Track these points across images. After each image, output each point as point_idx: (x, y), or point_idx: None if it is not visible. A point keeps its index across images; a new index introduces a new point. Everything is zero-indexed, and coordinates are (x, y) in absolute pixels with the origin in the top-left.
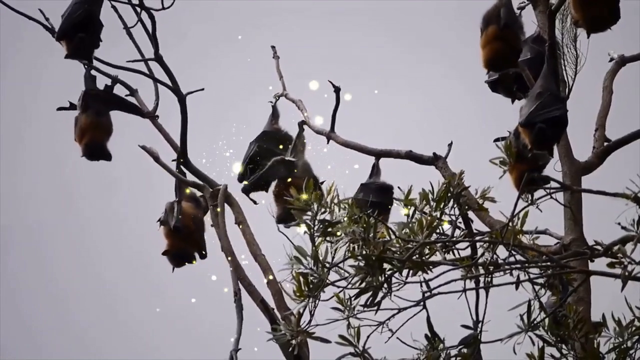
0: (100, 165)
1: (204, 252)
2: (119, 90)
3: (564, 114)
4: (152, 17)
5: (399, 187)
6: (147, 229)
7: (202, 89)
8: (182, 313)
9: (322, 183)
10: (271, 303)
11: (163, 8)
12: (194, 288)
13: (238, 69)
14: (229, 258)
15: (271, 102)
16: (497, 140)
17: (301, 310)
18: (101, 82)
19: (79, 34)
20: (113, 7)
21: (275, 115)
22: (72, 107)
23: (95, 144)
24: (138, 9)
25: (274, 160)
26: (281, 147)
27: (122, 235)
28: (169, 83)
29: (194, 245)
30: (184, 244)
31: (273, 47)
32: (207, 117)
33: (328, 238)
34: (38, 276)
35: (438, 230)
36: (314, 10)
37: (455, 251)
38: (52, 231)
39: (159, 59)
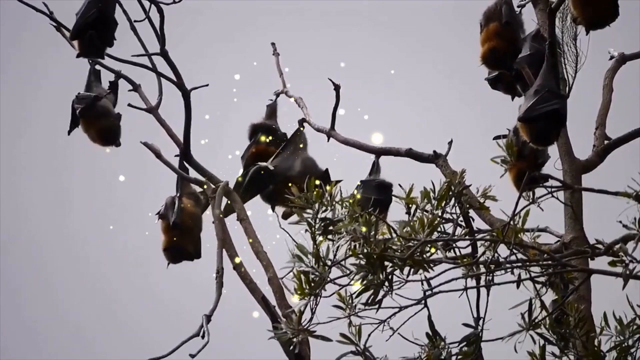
0: (101, 162)
1: (198, 252)
2: (122, 86)
3: (563, 107)
4: (160, 12)
5: (400, 185)
6: (148, 227)
7: (207, 85)
8: (182, 313)
9: (326, 171)
10: (272, 300)
11: (174, 2)
12: (195, 289)
13: (240, 67)
14: (219, 241)
15: (271, 99)
16: (497, 137)
17: (302, 309)
18: (105, 77)
19: (90, 31)
20: (117, 1)
21: (270, 112)
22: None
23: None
24: (146, 4)
25: (252, 172)
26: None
27: (123, 233)
28: (174, 78)
29: (190, 243)
30: (181, 241)
31: (273, 44)
32: (210, 113)
33: (329, 236)
34: (38, 276)
35: (439, 229)
36: (314, 10)
37: (456, 250)
38: (52, 230)
39: (164, 54)
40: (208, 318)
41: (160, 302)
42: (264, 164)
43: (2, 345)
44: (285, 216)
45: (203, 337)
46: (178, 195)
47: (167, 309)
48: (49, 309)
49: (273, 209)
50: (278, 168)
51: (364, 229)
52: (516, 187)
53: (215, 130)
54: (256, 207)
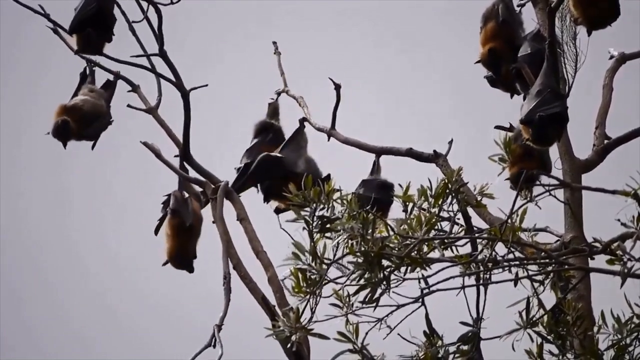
0: (101, 162)
1: (195, 255)
2: (122, 86)
3: (564, 110)
4: (158, 12)
5: (399, 185)
6: (148, 227)
7: (206, 85)
8: (183, 314)
9: (327, 176)
10: (272, 300)
11: (171, 2)
12: (195, 289)
13: (242, 66)
14: (224, 244)
15: (272, 98)
16: (498, 127)
17: (300, 307)
18: (104, 78)
19: (88, 29)
20: (116, 2)
21: (272, 111)
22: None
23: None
24: (145, 4)
25: (260, 158)
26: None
27: (123, 233)
28: (173, 79)
29: (193, 248)
30: (188, 246)
31: (274, 42)
32: (210, 113)
33: (327, 234)
34: (38, 276)
35: (437, 227)
36: (315, 10)
37: (454, 248)
38: (52, 230)
39: (163, 54)
40: (219, 327)
41: (160, 301)
42: (272, 153)
43: (2, 345)
44: (278, 211)
45: (215, 347)
46: (188, 195)
47: (167, 309)
48: (49, 309)
49: (266, 201)
50: (286, 160)
51: (361, 227)
52: (514, 186)
53: (214, 130)
54: (257, 207)
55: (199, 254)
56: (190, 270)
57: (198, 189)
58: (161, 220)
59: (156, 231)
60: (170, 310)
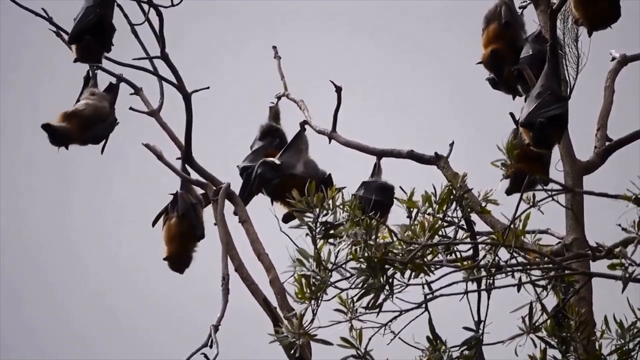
0: (101, 162)
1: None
2: (124, 89)
3: (565, 112)
4: (160, 15)
5: (400, 187)
6: (148, 227)
7: (208, 88)
8: (183, 314)
9: (328, 176)
10: (274, 302)
11: (172, 5)
12: (195, 290)
13: (243, 68)
14: (223, 245)
15: (272, 102)
16: (511, 115)
17: (303, 312)
18: (106, 81)
19: (86, 37)
20: (118, 5)
21: (274, 114)
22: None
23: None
24: (146, 7)
25: (257, 166)
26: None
27: (123, 233)
28: (175, 81)
29: (191, 253)
30: (188, 250)
31: (274, 47)
32: (212, 115)
33: (330, 240)
34: (38, 276)
35: (440, 232)
36: (315, 13)
37: (457, 253)
38: (52, 230)
39: (165, 57)
40: (216, 328)
41: (160, 301)
42: (270, 159)
43: (2, 345)
44: (286, 219)
45: (211, 347)
46: (196, 201)
47: (166, 309)
48: (49, 309)
49: (272, 203)
50: (284, 164)
51: (364, 233)
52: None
53: (216, 132)
54: (259, 209)
55: (199, 255)
56: (181, 272)
57: (200, 190)
58: (161, 213)
59: (154, 223)
60: (170, 310)
